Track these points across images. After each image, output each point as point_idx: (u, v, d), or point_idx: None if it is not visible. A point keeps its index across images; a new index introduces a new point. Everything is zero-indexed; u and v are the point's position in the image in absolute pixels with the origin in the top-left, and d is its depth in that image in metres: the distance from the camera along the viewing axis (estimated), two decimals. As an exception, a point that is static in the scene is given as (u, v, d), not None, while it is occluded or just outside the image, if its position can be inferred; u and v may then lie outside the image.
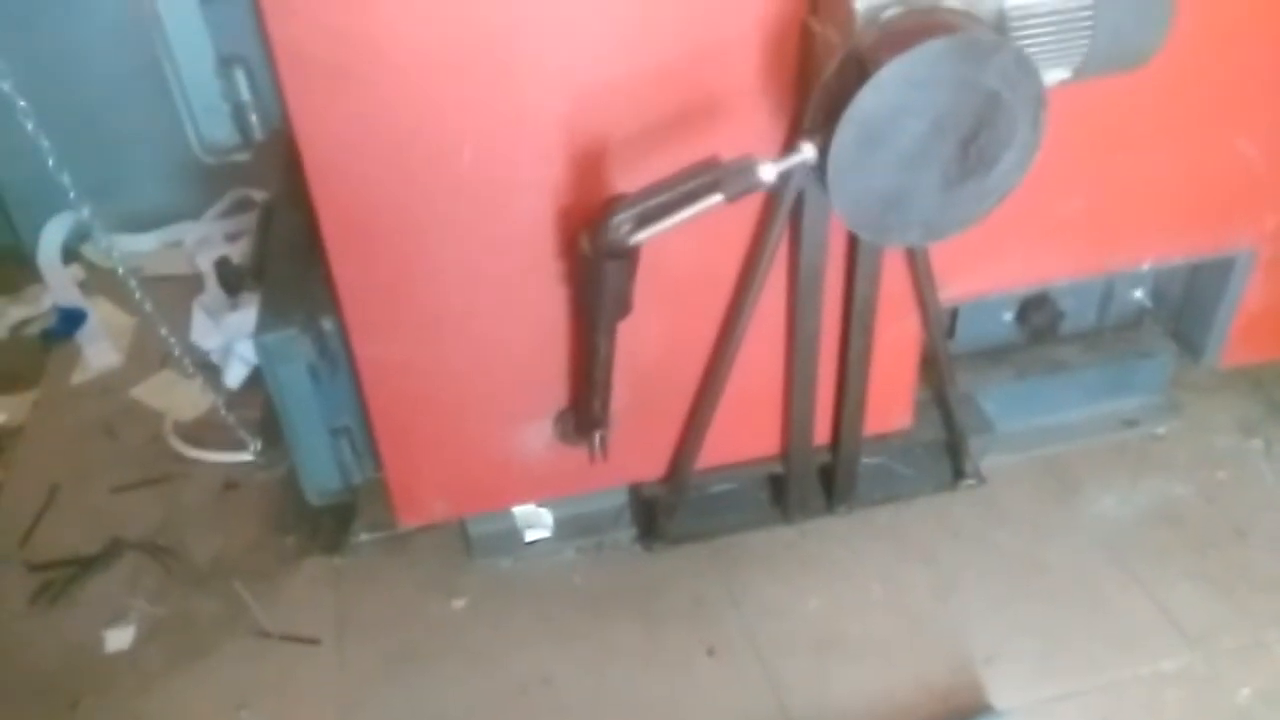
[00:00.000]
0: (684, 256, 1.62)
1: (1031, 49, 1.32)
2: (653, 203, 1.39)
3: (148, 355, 2.63)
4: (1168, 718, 1.70)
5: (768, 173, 1.33)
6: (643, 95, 1.47)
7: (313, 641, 1.89)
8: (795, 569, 1.97)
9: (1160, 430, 2.19)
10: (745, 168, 1.34)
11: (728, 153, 1.50)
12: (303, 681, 1.83)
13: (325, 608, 1.95)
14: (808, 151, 1.30)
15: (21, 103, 1.59)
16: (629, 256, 1.46)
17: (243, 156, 1.59)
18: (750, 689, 1.77)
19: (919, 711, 1.71)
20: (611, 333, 1.59)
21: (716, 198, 1.35)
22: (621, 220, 1.39)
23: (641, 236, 1.40)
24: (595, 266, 1.47)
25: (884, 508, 2.05)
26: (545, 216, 1.55)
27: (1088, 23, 1.35)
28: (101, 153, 2.81)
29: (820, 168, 1.30)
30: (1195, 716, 1.70)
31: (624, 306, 1.55)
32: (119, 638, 1.91)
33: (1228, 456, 2.14)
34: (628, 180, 1.48)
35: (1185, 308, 2.11)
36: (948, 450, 2.08)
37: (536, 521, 2.04)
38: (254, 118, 1.50)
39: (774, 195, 1.56)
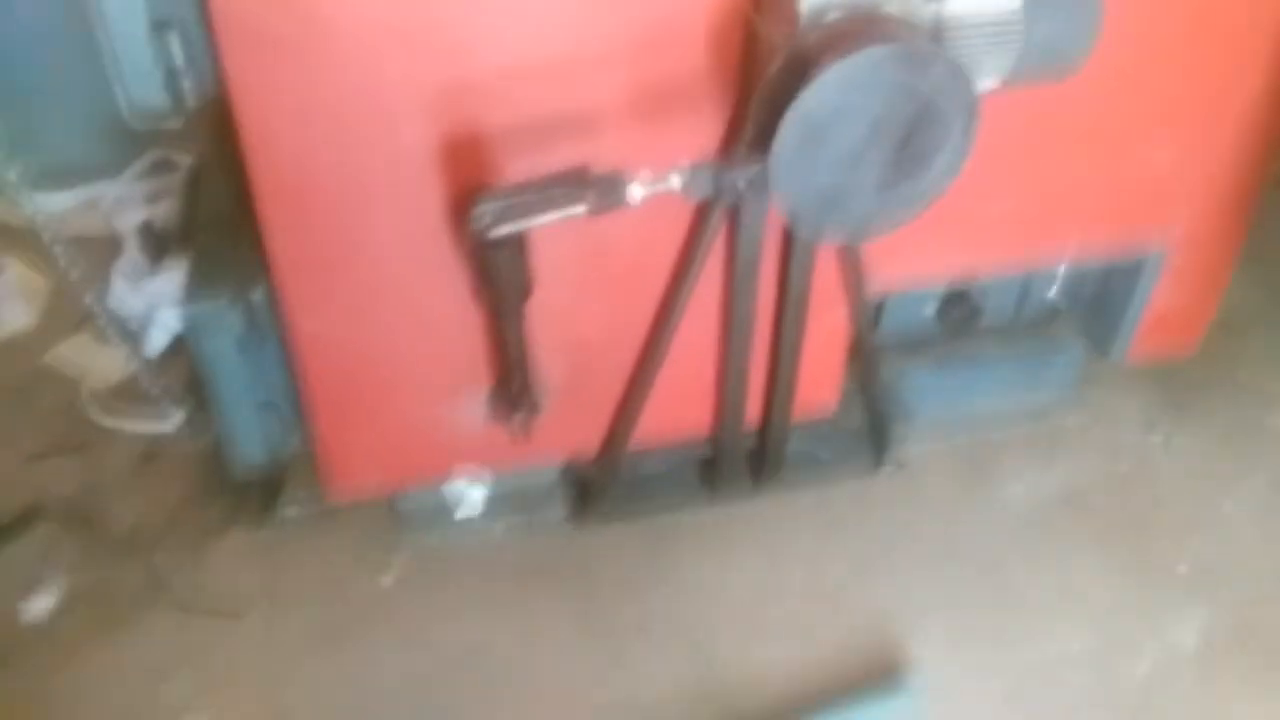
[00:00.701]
0: (625, 240, 1.64)
1: (964, 56, 1.36)
2: (516, 200, 1.39)
3: (63, 318, 2.54)
4: (1072, 693, 1.80)
5: (635, 193, 1.37)
6: (586, 80, 1.48)
7: (234, 616, 1.87)
8: (722, 548, 2.02)
9: (1069, 422, 2.29)
10: (613, 183, 1.37)
11: (669, 145, 1.53)
12: (226, 656, 1.81)
13: (250, 582, 1.93)
14: (674, 181, 1.38)
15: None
16: (511, 244, 1.46)
17: (174, 123, 1.56)
18: (677, 664, 1.82)
19: (840, 684, 1.79)
20: (517, 316, 1.59)
21: (580, 208, 1.37)
22: (483, 212, 1.39)
23: (501, 231, 1.40)
24: (478, 254, 1.48)
25: (808, 491, 2.11)
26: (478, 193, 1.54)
27: (1018, 32, 1.40)
28: (19, 105, 2.69)
29: (760, 158, 1.34)
30: (1098, 692, 1.81)
31: (522, 290, 1.55)
32: (36, 608, 1.87)
33: (1130, 449, 2.25)
34: (559, 163, 1.47)
35: (1096, 307, 2.20)
36: (870, 437, 2.15)
37: (466, 498, 2.04)
38: (186, 83, 1.47)
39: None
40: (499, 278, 1.50)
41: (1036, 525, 2.08)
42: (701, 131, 1.55)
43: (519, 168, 1.49)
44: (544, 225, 1.39)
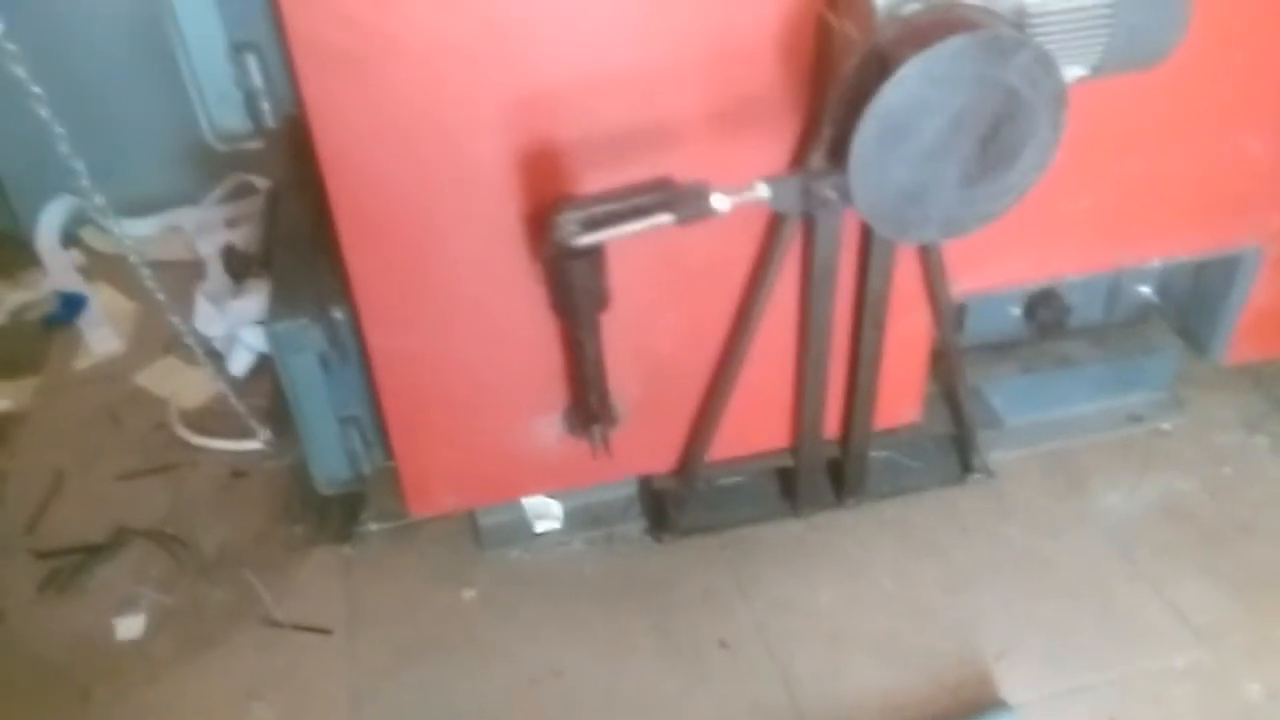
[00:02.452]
0: (698, 250, 1.62)
1: (1050, 46, 1.31)
2: (601, 209, 1.38)
3: (150, 341, 2.62)
4: (1176, 713, 1.70)
5: (721, 204, 1.34)
6: (657, 87, 1.46)
7: (324, 631, 1.89)
8: (805, 562, 1.97)
9: (1166, 426, 2.20)
10: (697, 194, 1.35)
11: (742, 147, 1.51)
12: (313, 672, 1.83)
13: (335, 598, 1.95)
14: (761, 191, 1.35)
15: (35, 89, 1.57)
16: (590, 255, 1.44)
17: (254, 144, 1.59)
18: (761, 682, 1.78)
19: (930, 706, 1.72)
20: (593, 327, 1.58)
21: (667, 217, 1.35)
22: (567, 220, 1.38)
23: (588, 240, 1.39)
24: (556, 264, 1.46)
25: (893, 501, 2.06)
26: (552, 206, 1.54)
27: (1106, 20, 1.35)
28: (102, 136, 2.76)
29: (839, 163, 1.30)
30: (1204, 712, 1.71)
31: (598, 301, 1.53)
32: (129, 626, 1.91)
33: (1232, 452, 2.15)
34: (634, 173, 1.46)
35: (1191, 304, 2.11)
36: (956, 444, 2.09)
37: (546, 513, 2.04)
38: (266, 105, 1.50)
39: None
40: (576, 289, 1.49)
41: (1134, 535, 1.99)
42: (777, 139, 1.53)
43: (591, 180, 1.49)
44: (629, 235, 1.37)
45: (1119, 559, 1.95)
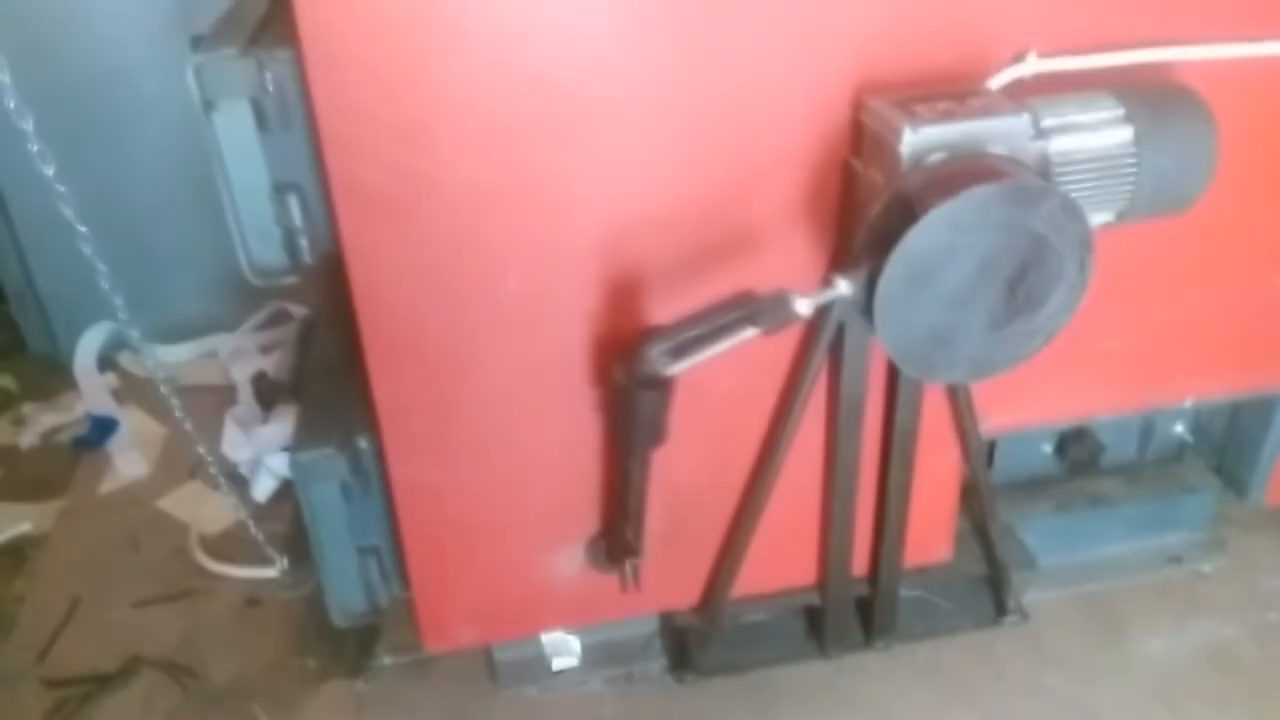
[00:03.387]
0: (723, 383, 1.62)
1: (1075, 193, 1.33)
2: (688, 334, 1.39)
3: (177, 466, 2.62)
4: None
5: (804, 307, 1.34)
6: (684, 229, 1.49)
7: (330, 772, 1.82)
8: (833, 707, 1.89)
9: (1206, 568, 2.13)
10: (781, 301, 1.35)
11: (766, 285, 1.52)
12: (319, 815, 1.76)
13: (346, 736, 1.89)
14: (842, 287, 1.32)
15: (83, 229, 1.62)
16: (664, 387, 1.46)
17: (290, 279, 1.62)
18: (787, 838, 1.69)
19: None
20: (646, 461, 1.57)
21: (752, 331, 1.35)
22: (657, 351, 1.39)
23: (677, 368, 1.40)
24: (629, 396, 1.46)
25: (924, 643, 1.98)
26: (583, 344, 1.55)
27: (1131, 168, 1.37)
28: (142, 265, 2.86)
29: (866, 304, 1.31)
30: None
31: (659, 435, 1.53)
32: (134, 762, 1.86)
33: (1278, 597, 2.07)
34: (664, 310, 1.50)
35: (1228, 444, 2.08)
36: (989, 584, 2.02)
37: (564, 649, 1.98)
38: (304, 242, 1.53)
39: (815, 324, 1.57)
40: (641, 421, 1.48)
41: (1180, 685, 1.90)
42: (802, 273, 1.54)
43: (627, 316, 1.51)
44: (716, 356, 1.37)
45: (1166, 711, 1.85)
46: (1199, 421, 2.11)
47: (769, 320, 1.35)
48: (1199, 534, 2.16)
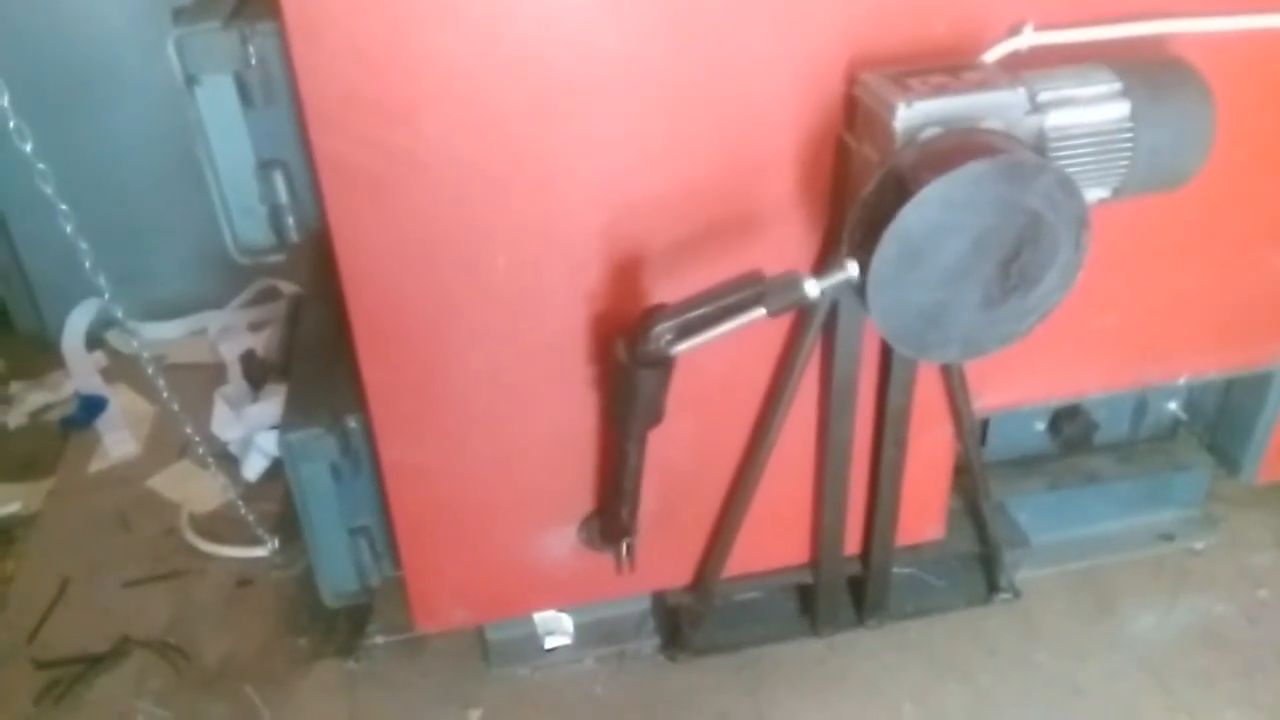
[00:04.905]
0: (717, 363, 1.60)
1: (1071, 169, 1.31)
2: (694, 314, 1.37)
3: (166, 445, 2.61)
4: None
5: (812, 289, 1.32)
6: (677, 207, 1.47)
7: (322, 751, 1.82)
8: (825, 685, 1.90)
9: (1198, 545, 2.13)
10: (789, 283, 1.33)
11: (761, 264, 1.50)
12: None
13: (337, 715, 1.89)
14: (851, 269, 1.29)
15: (63, 206, 1.60)
16: (665, 366, 1.44)
17: (276, 257, 1.60)
18: (778, 815, 1.70)
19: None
20: (642, 440, 1.56)
21: (759, 312, 1.34)
22: (663, 330, 1.38)
23: (682, 347, 1.39)
24: (630, 375, 1.45)
25: (916, 621, 1.99)
26: (575, 324, 1.54)
27: (1128, 143, 1.35)
28: (129, 242, 2.84)
29: (859, 283, 1.29)
30: None
31: (656, 415, 1.52)
32: (126, 742, 1.85)
33: (1268, 575, 2.07)
34: (660, 290, 1.48)
35: (1221, 421, 2.07)
36: (981, 562, 2.03)
37: (556, 628, 1.98)
38: (290, 220, 1.51)
39: (808, 305, 1.55)
40: (640, 401, 1.47)
41: (1169, 662, 1.91)
42: (797, 252, 1.52)
43: (618, 297, 1.49)
44: (721, 337, 1.36)
45: (1154, 688, 1.86)
46: (1192, 399, 2.11)
47: (778, 301, 1.34)
48: (1191, 511, 2.17)
